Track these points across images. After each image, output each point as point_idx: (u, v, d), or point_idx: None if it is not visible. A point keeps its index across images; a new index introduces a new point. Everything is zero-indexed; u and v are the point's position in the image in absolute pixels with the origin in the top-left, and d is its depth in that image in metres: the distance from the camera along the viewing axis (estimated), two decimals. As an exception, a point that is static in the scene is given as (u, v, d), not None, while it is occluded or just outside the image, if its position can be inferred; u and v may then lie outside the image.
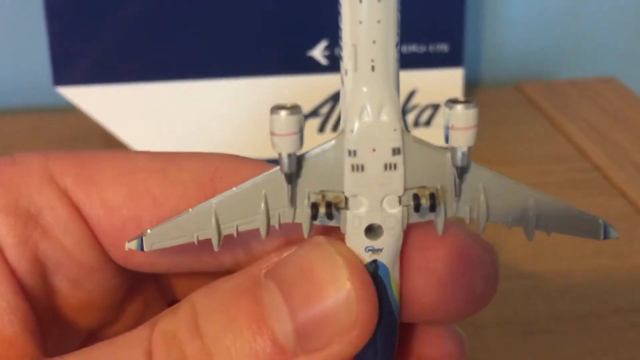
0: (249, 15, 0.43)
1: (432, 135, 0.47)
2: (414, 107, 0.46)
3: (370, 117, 0.17)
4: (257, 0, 0.43)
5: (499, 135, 0.52)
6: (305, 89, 0.45)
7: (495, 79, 0.62)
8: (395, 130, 0.17)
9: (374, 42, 0.17)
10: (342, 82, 0.18)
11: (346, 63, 0.17)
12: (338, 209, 0.18)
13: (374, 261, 0.18)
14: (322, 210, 0.18)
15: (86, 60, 0.42)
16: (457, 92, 0.47)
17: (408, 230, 0.18)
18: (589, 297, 0.36)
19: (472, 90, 0.58)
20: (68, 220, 0.19)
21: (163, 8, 0.42)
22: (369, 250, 0.18)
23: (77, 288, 0.20)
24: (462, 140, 0.17)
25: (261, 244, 0.20)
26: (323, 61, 0.45)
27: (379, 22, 0.17)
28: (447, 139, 0.18)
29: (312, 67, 0.45)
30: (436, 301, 0.19)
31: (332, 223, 0.18)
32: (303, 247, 0.18)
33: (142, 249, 0.18)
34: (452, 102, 0.17)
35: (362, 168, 0.18)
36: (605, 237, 0.20)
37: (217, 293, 0.17)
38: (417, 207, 0.18)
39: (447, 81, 0.46)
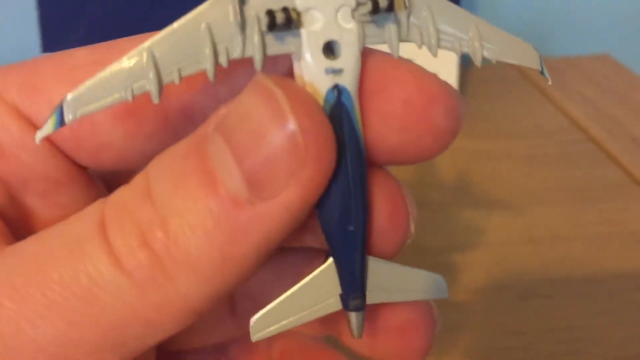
0: None
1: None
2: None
3: None
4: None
5: (495, 110, 0.52)
6: None
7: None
8: None
9: None
10: None
11: None
12: (292, 23, 0.16)
13: (336, 86, 0.17)
14: (279, 16, 0.16)
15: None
16: (453, 72, 0.47)
17: (364, 68, 0.17)
18: (587, 263, 0.36)
19: (469, 67, 0.58)
20: (22, 135, 0.18)
21: None
22: (330, 72, 0.17)
23: (49, 204, 0.19)
24: None
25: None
26: None
27: None
28: None
29: None
30: (399, 143, 0.17)
31: (287, 45, 0.16)
32: (245, 88, 0.16)
33: (62, 123, 0.15)
34: None
35: None
36: (542, 71, 0.18)
37: (166, 156, 0.16)
38: (376, 8, 0.16)
39: (443, 62, 0.47)
